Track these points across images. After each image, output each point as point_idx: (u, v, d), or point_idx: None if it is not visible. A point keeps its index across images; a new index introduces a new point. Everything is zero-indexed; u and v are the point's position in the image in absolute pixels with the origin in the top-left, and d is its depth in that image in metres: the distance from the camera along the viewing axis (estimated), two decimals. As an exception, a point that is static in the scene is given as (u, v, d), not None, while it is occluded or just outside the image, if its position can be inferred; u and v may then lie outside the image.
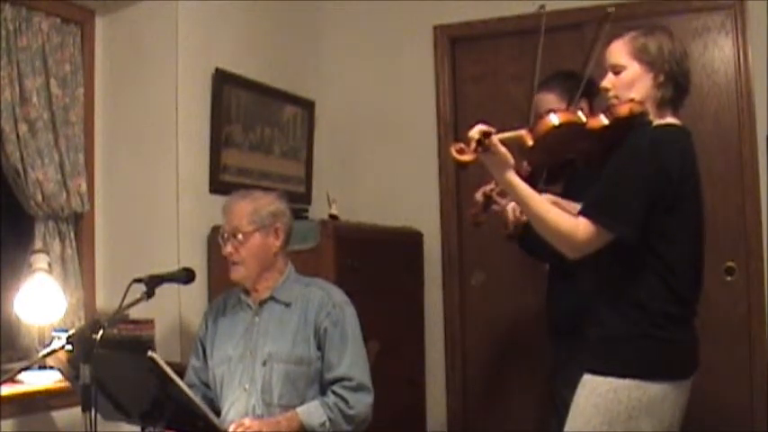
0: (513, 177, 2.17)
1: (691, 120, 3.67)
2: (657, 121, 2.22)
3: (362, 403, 2.60)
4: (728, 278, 3.76)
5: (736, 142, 3.76)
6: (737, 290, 3.74)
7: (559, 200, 2.38)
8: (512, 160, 2.15)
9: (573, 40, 3.83)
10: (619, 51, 2.24)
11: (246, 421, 2.49)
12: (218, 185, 3.51)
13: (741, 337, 3.71)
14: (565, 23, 3.94)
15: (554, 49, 3.94)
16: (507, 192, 2.24)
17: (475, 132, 2.11)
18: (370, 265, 3.52)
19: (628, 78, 2.22)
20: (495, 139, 2.12)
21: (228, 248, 2.67)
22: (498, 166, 2.15)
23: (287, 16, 4.12)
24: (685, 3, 3.83)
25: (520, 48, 4.09)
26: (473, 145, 2.10)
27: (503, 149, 2.13)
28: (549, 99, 2.99)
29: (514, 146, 2.18)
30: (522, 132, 2.19)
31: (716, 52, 3.82)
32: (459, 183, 4.11)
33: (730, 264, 3.75)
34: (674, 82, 2.21)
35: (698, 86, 3.74)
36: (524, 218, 2.56)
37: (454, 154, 2.12)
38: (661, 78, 2.20)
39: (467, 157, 2.11)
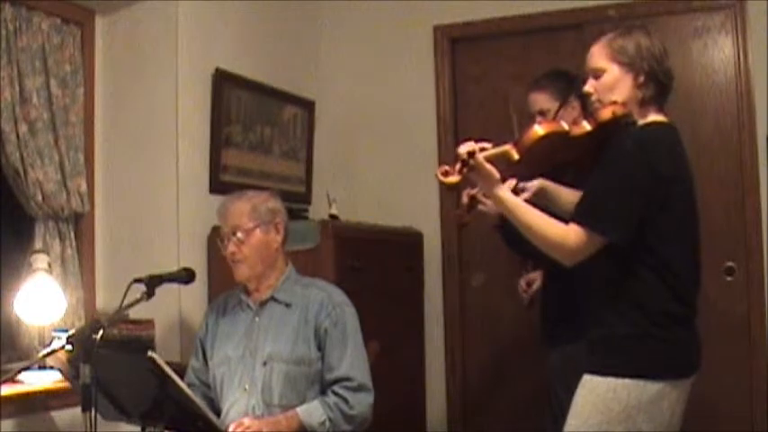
0: (501, 191, 2.18)
1: (691, 120, 3.71)
2: (642, 121, 2.22)
3: (363, 403, 2.59)
4: (728, 278, 3.75)
5: (736, 142, 3.76)
6: (737, 290, 3.74)
7: (561, 188, 2.38)
8: (497, 175, 2.16)
9: (573, 40, 3.83)
10: (598, 55, 2.23)
11: (246, 421, 2.48)
12: (218, 185, 3.51)
13: (741, 337, 3.71)
14: (565, 23, 3.96)
15: (554, 48, 3.96)
16: (496, 205, 2.24)
17: (460, 153, 2.13)
18: (370, 265, 3.51)
19: (608, 81, 2.21)
20: (480, 157, 2.14)
21: (231, 248, 2.66)
22: (485, 181, 2.17)
23: (287, 16, 4.12)
24: (685, 3, 3.83)
25: (520, 48, 4.09)
26: (458, 166, 2.12)
27: (488, 167, 2.15)
28: (541, 98, 2.99)
29: (502, 161, 2.19)
30: (508, 147, 2.20)
31: (716, 52, 3.81)
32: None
33: (730, 264, 3.75)
34: (656, 80, 2.20)
35: (698, 86, 3.75)
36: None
37: (440, 177, 2.15)
38: (641, 78, 2.19)
39: (452, 179, 2.14)
